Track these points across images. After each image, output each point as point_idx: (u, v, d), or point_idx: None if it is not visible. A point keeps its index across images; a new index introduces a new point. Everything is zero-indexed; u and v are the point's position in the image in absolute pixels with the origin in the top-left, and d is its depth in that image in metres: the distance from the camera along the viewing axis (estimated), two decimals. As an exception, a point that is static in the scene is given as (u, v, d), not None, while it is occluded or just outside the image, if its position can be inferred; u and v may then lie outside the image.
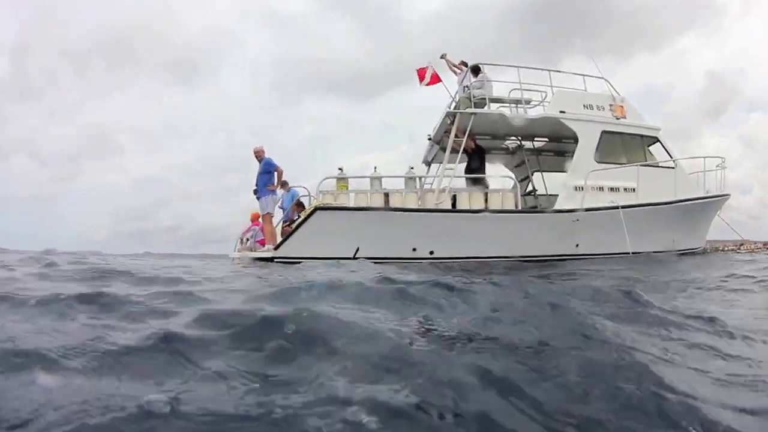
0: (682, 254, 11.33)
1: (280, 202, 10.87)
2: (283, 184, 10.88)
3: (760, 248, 14.65)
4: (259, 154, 10.17)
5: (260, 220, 10.48)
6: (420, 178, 10.92)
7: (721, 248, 15.48)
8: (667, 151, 11.91)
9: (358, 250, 9.34)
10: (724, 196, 12.44)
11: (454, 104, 11.43)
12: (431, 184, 11.43)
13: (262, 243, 10.34)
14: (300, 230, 9.57)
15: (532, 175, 13.06)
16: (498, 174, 11.71)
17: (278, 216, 10.81)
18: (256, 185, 10.15)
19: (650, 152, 11.94)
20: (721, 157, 12.65)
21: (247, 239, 10.41)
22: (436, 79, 11.54)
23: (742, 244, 15.38)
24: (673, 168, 11.72)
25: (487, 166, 11.85)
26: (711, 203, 12.13)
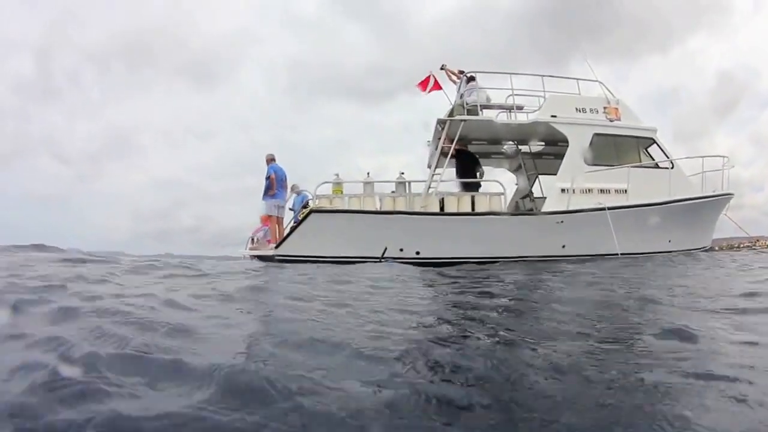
0: (681, 254, 11.46)
1: (291, 203, 11.92)
2: (293, 188, 11.91)
3: (777, 244, 14.62)
4: (266, 161, 11.27)
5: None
6: (409, 183, 11.62)
7: (736, 246, 15.50)
8: (664, 152, 12.04)
9: (386, 250, 10.23)
10: (726, 196, 12.46)
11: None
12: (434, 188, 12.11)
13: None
14: (297, 231, 10.60)
15: (532, 178, 13.46)
16: (492, 179, 12.07)
17: (289, 217, 11.84)
18: None
19: (647, 153, 12.11)
20: (724, 156, 12.66)
21: (257, 239, 11.45)
22: (437, 86, 12.17)
23: (757, 241, 15.35)
24: (669, 168, 11.85)
25: (488, 170, 12.47)
26: (711, 203, 12.17)
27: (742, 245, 15.25)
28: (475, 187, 11.63)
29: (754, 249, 14.74)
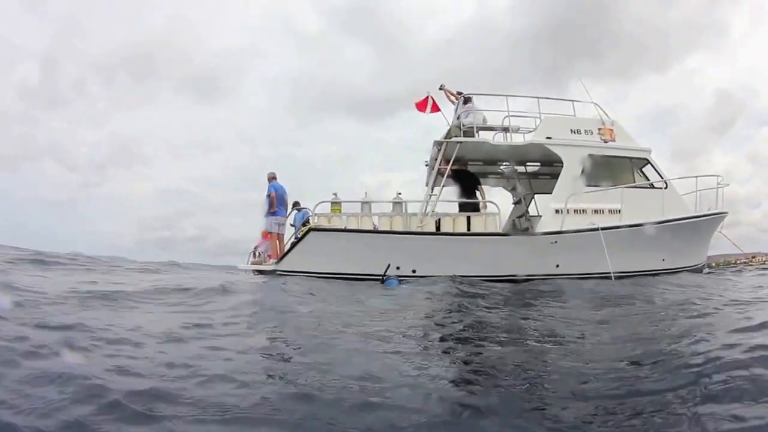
0: (673, 273, 11.67)
1: (292, 219, 12.23)
2: (295, 204, 12.25)
3: (772, 258, 14.82)
4: (268, 179, 11.59)
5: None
6: (406, 202, 11.87)
7: (732, 262, 15.70)
8: (658, 172, 12.23)
9: (389, 267, 10.43)
10: (721, 214, 12.64)
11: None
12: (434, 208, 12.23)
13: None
14: (296, 248, 10.95)
15: (528, 197, 13.65)
16: (488, 199, 12.30)
17: (290, 232, 12.16)
18: None
19: (641, 174, 12.30)
20: (718, 176, 12.84)
21: (259, 253, 11.78)
22: (435, 107, 12.29)
23: (753, 257, 15.54)
24: (663, 188, 12.04)
25: (485, 189, 12.71)
26: (705, 221, 12.33)
27: (738, 261, 15.46)
28: (475, 207, 11.85)
29: (751, 264, 14.95)
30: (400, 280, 10.01)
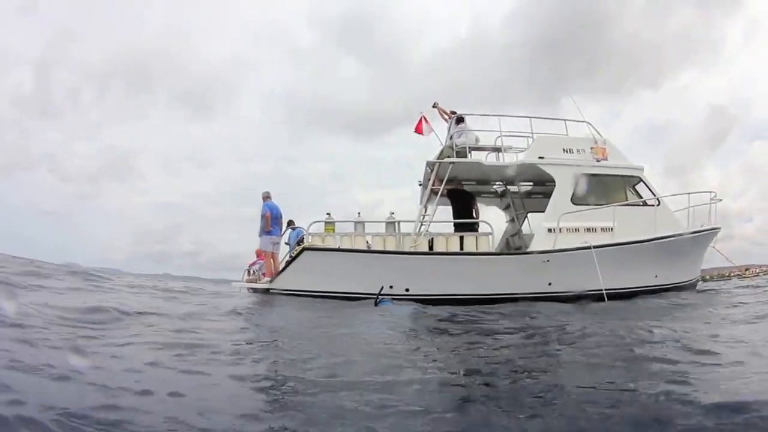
0: (667, 289, 11.77)
1: (286, 238, 12.39)
2: (290, 224, 12.41)
3: (765, 271, 14.96)
4: (262, 199, 11.75)
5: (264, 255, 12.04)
6: (398, 222, 12.03)
7: (726, 275, 15.83)
8: (651, 190, 12.33)
9: (382, 288, 10.34)
10: (713, 230, 12.73)
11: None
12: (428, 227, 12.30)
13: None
14: (290, 267, 11.12)
15: (521, 216, 13.76)
16: (481, 219, 12.30)
17: (285, 251, 12.31)
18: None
19: (634, 192, 12.39)
20: (711, 192, 12.99)
21: (254, 271, 11.96)
22: (420, 129, 12.56)
23: (746, 270, 15.67)
24: (655, 206, 12.13)
25: (481, 208, 12.84)
26: (697, 237, 12.41)
27: (732, 274, 15.59)
28: (471, 226, 11.92)
29: (744, 277, 15.10)
30: (393, 300, 9.94)
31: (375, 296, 10.02)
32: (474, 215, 12.23)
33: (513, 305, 9.72)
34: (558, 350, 4.76)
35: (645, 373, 3.60)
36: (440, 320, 7.60)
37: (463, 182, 12.78)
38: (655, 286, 11.76)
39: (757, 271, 15.73)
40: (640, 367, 3.79)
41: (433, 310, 8.50)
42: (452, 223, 12.08)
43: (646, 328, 5.45)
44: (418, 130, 12.49)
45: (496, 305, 9.74)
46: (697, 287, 13.40)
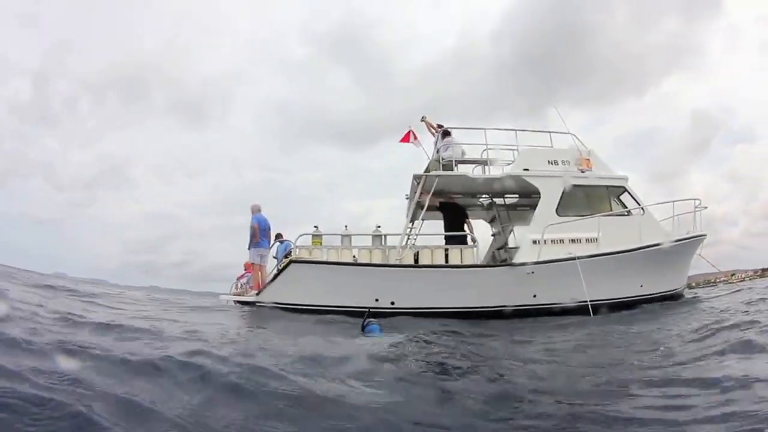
0: (653, 299, 11.85)
1: (274, 251, 12.48)
2: (278, 236, 12.50)
3: (751, 276, 15.08)
4: (251, 211, 11.85)
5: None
6: (385, 236, 12.10)
7: (713, 281, 15.95)
8: (635, 199, 12.45)
9: (368, 312, 8.81)
10: (699, 237, 12.78)
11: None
12: (415, 240, 12.52)
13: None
14: (277, 280, 11.23)
15: (507, 229, 13.81)
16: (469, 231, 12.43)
17: (273, 264, 12.38)
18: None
19: (618, 202, 12.50)
20: (696, 199, 13.02)
21: (241, 285, 12.05)
22: (407, 138, 12.74)
23: (732, 275, 15.80)
24: (640, 215, 12.22)
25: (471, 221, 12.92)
26: (682, 246, 12.44)
27: (718, 280, 15.71)
28: (462, 240, 12.00)
29: (730, 282, 15.23)
30: (381, 327, 7.80)
31: (362, 319, 8.04)
32: (466, 229, 12.32)
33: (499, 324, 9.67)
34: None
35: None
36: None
37: (450, 195, 12.87)
38: (641, 296, 11.83)
39: (743, 276, 15.87)
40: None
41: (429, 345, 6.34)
42: (442, 236, 12.15)
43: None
44: (405, 140, 12.64)
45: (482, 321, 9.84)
46: (684, 295, 13.46)
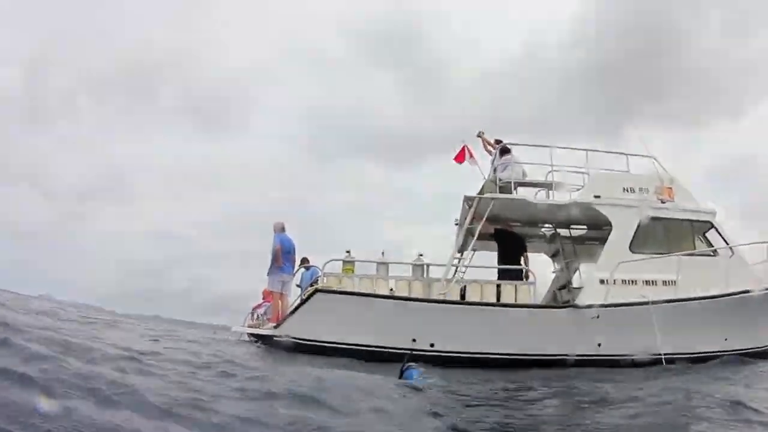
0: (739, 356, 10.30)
1: (298, 279, 11.21)
2: (303, 261, 11.26)
3: None
4: (274, 230, 10.57)
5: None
6: (427, 266, 10.95)
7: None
8: (723, 238, 11.08)
9: (408, 355, 8.15)
10: None
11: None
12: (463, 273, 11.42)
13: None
14: (299, 311, 10.02)
15: (572, 265, 12.57)
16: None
17: (296, 294, 11.14)
18: None
19: (703, 239, 11.25)
20: None
21: (259, 315, 10.89)
22: (461, 157, 11.65)
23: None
24: (728, 257, 10.81)
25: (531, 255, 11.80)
26: None
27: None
28: (517, 275, 10.85)
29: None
30: (422, 373, 6.95)
31: (401, 366, 7.11)
32: (523, 263, 11.18)
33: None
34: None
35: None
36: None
37: (508, 223, 11.67)
38: (724, 351, 10.29)
39: None
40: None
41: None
42: (495, 270, 11.01)
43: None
44: (459, 159, 11.58)
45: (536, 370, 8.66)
46: None
